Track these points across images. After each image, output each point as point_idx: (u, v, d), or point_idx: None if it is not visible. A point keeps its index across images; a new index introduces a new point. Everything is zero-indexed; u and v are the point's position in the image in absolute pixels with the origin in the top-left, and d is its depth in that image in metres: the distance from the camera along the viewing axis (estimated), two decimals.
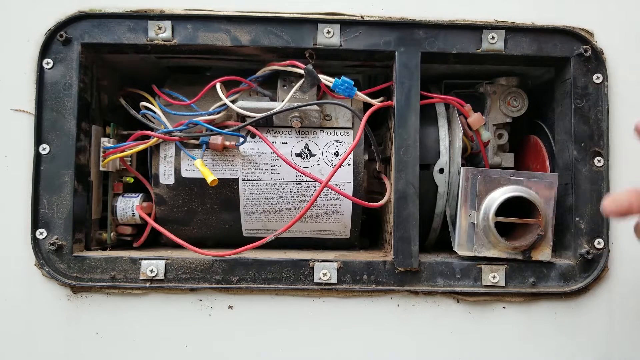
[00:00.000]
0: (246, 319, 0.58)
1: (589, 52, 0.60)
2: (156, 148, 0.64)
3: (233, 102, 0.62)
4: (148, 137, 0.62)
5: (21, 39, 0.59)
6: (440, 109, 0.66)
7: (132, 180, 0.67)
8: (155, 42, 0.59)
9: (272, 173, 0.63)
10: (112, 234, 0.65)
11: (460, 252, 0.60)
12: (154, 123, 0.63)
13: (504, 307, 0.59)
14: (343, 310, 0.59)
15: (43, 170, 0.58)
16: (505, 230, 0.58)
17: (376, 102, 0.62)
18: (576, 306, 0.60)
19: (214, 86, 0.62)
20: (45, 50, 0.58)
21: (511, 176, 0.59)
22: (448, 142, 0.64)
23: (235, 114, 0.63)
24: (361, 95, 0.61)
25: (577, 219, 0.60)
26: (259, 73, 0.63)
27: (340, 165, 0.61)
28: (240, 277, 0.58)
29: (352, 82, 0.60)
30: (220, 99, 0.61)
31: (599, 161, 0.60)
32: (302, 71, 0.60)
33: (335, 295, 0.59)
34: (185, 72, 0.72)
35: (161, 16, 0.59)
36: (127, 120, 0.67)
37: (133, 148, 0.63)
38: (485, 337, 0.59)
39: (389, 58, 0.61)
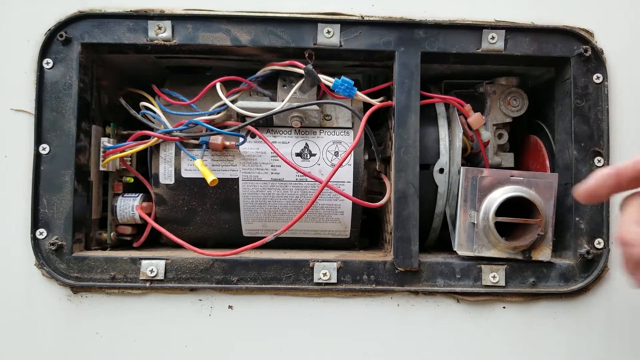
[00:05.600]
0: (246, 319, 0.58)
1: (589, 52, 0.60)
2: (156, 148, 0.64)
3: (233, 102, 0.62)
4: (148, 137, 0.62)
5: (21, 39, 0.59)
6: (440, 109, 0.66)
7: (132, 180, 0.67)
8: (155, 42, 0.59)
9: (272, 173, 0.63)
10: (112, 234, 0.65)
11: (460, 252, 0.60)
12: (154, 123, 0.63)
13: (504, 307, 0.59)
14: (343, 310, 0.59)
15: (43, 170, 0.58)
16: (505, 230, 0.58)
17: (376, 102, 0.62)
18: (576, 306, 0.60)
19: (214, 86, 0.62)
20: (45, 50, 0.58)
21: (511, 176, 0.59)
22: (448, 142, 0.64)
23: (235, 114, 0.63)
24: (361, 95, 0.61)
25: (577, 219, 0.60)
26: (259, 73, 0.63)
27: (340, 165, 0.61)
28: (240, 277, 0.58)
29: (352, 82, 0.60)
30: (220, 99, 0.61)
31: (599, 161, 0.60)
32: (302, 71, 0.60)
33: (335, 295, 0.59)
34: (185, 72, 0.72)
35: (161, 16, 0.59)
36: (127, 120, 0.67)
37: (133, 148, 0.63)
38: (485, 337, 0.59)
39: (389, 58, 0.61)
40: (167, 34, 0.59)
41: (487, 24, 0.60)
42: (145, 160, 0.67)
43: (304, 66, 0.60)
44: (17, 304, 0.58)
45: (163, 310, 0.58)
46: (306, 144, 0.63)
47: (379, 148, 0.66)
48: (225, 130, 0.61)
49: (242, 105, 0.61)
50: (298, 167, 0.61)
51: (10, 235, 0.58)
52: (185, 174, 0.63)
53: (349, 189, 0.63)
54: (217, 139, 0.61)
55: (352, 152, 0.62)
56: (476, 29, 0.60)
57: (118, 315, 0.58)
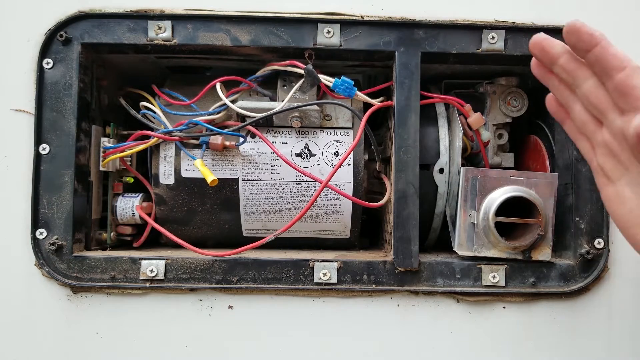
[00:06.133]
0: (246, 319, 0.58)
1: None
2: (156, 148, 0.64)
3: (233, 102, 0.62)
4: (148, 137, 0.62)
5: (21, 39, 0.59)
6: (440, 109, 0.66)
7: (132, 180, 0.67)
8: (155, 42, 0.59)
9: (272, 173, 0.63)
10: (112, 234, 0.65)
11: (460, 252, 0.60)
12: (154, 123, 0.63)
13: (504, 307, 0.59)
14: (343, 310, 0.59)
15: (43, 170, 0.58)
16: (505, 230, 0.58)
17: (376, 102, 0.62)
18: (576, 306, 0.60)
19: (214, 86, 0.62)
20: (45, 50, 0.58)
21: (511, 176, 0.59)
22: (448, 142, 0.64)
23: (235, 114, 0.63)
24: (361, 95, 0.61)
25: (577, 219, 0.60)
26: (259, 73, 0.63)
27: (340, 165, 0.61)
28: (240, 277, 0.58)
29: (352, 82, 0.60)
30: (220, 99, 0.61)
31: None
32: (302, 71, 0.60)
33: (335, 295, 0.59)
34: (185, 72, 0.72)
35: (161, 16, 0.59)
36: (127, 120, 0.67)
37: (133, 148, 0.63)
38: (485, 337, 0.59)
39: (389, 58, 0.61)
40: (167, 34, 0.59)
41: (487, 24, 0.60)
42: (145, 160, 0.67)
43: (304, 66, 0.60)
44: (17, 304, 0.58)
45: (163, 310, 0.58)
46: (306, 144, 0.63)
47: (379, 148, 0.66)
48: (225, 130, 0.61)
49: (242, 105, 0.61)
50: (298, 167, 0.61)
51: (10, 235, 0.58)
52: (185, 174, 0.63)
53: (349, 189, 0.63)
54: (217, 139, 0.61)
55: (352, 152, 0.62)
56: (476, 29, 0.60)
57: (118, 315, 0.58)
